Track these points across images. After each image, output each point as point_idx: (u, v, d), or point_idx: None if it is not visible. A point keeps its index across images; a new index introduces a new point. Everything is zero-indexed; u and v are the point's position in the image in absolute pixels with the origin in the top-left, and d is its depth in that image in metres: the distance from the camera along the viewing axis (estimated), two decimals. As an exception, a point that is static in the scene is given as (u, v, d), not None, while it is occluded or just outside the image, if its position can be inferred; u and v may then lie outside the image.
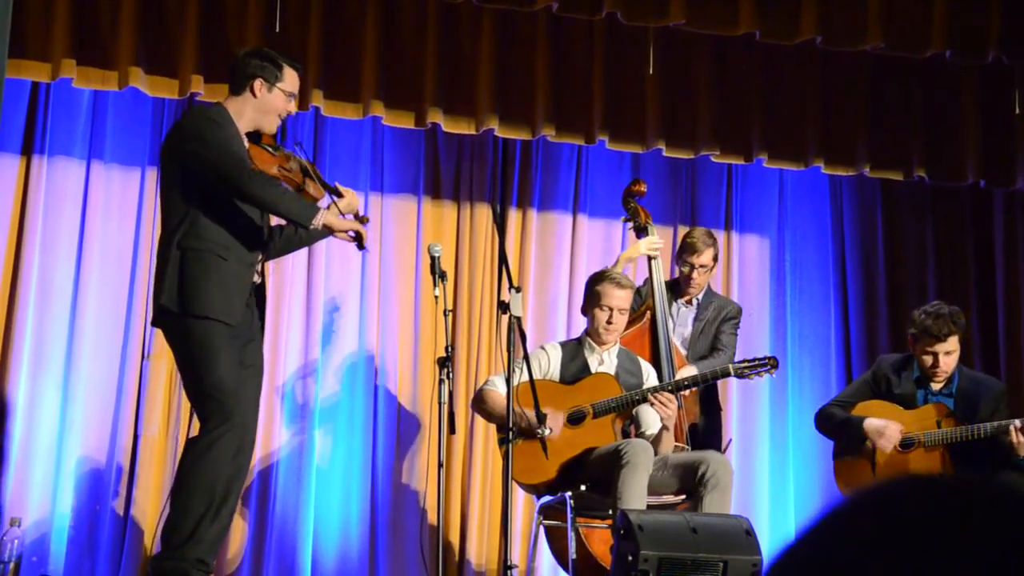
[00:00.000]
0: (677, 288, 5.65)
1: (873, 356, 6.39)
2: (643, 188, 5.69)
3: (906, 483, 0.79)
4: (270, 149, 4.32)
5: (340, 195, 4.40)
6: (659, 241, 5.61)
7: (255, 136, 4.32)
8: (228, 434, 4.07)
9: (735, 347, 5.67)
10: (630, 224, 5.72)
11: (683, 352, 5.51)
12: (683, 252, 5.64)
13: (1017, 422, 5.01)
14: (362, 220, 4.42)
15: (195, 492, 4.05)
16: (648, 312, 5.46)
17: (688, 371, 5.32)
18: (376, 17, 5.88)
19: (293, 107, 4.40)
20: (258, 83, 4.27)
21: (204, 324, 4.07)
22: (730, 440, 5.87)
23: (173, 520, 4.08)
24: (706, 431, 5.55)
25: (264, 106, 4.27)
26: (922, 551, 0.73)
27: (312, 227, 4.13)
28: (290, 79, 4.33)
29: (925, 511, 0.75)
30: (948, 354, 5.19)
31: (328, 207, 4.25)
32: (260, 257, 4.33)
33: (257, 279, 4.31)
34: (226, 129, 4.17)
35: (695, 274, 5.59)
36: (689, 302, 5.64)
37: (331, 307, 6.17)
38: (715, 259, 5.66)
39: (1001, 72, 6.44)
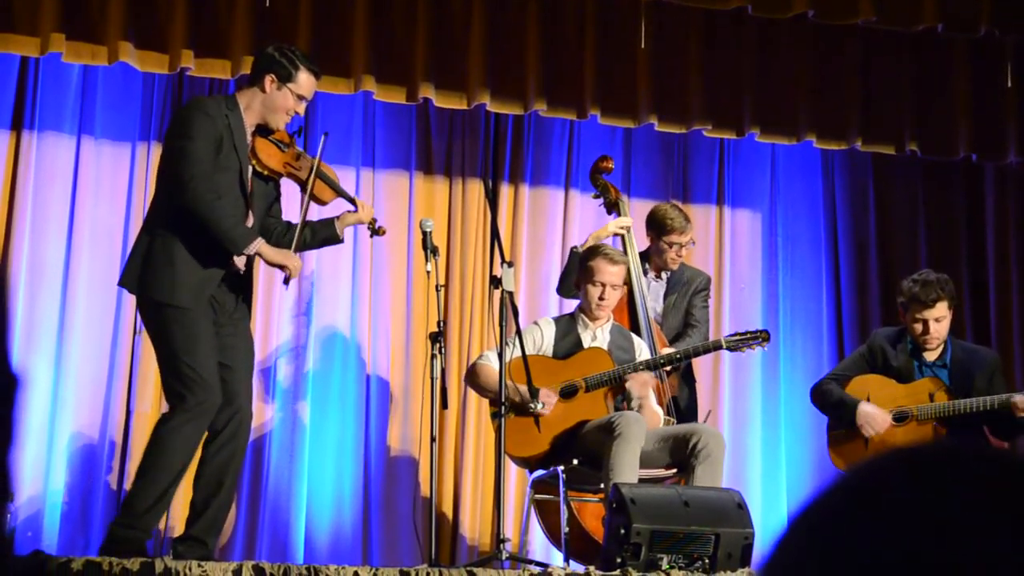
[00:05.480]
0: (647, 261, 5.57)
1: (865, 331, 6.40)
2: (610, 164, 5.69)
3: (894, 462, 0.78)
4: (279, 145, 4.36)
5: (355, 205, 4.52)
6: (628, 220, 5.55)
7: (264, 130, 4.34)
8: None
9: (708, 321, 5.65)
10: (600, 201, 5.71)
11: (657, 325, 5.49)
12: (667, 232, 5.47)
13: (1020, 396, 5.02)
14: (378, 231, 4.58)
15: (161, 468, 4.10)
16: (624, 286, 5.43)
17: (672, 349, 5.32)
18: (367, -9, 5.86)
19: (301, 108, 4.40)
20: (269, 79, 4.29)
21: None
22: (709, 411, 5.87)
23: (137, 489, 4.13)
24: (686, 404, 5.55)
25: (271, 103, 4.31)
26: (915, 533, 0.73)
27: (244, 254, 4.19)
28: (304, 82, 4.33)
29: (915, 493, 0.75)
30: (938, 321, 5.17)
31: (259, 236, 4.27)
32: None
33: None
34: (206, 123, 4.16)
35: (683, 252, 5.57)
36: (659, 276, 5.61)
37: (323, 282, 6.16)
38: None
39: (993, 46, 6.44)
